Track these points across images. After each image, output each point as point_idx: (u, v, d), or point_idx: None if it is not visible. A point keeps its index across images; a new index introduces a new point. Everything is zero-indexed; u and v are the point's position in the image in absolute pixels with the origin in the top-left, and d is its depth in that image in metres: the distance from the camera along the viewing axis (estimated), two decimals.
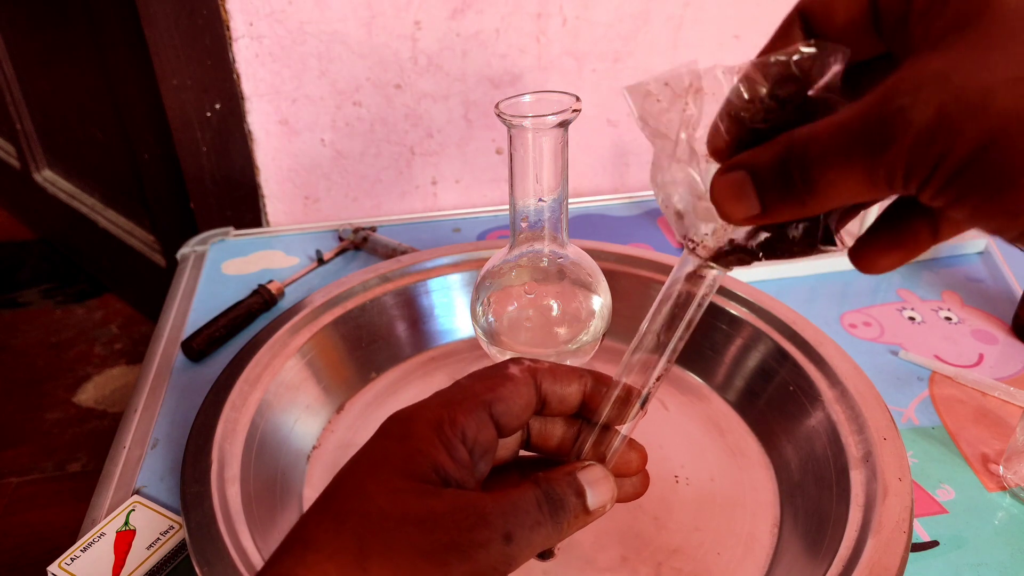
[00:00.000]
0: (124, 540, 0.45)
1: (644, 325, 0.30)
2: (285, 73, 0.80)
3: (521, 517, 0.26)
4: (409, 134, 0.86)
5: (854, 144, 0.20)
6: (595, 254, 0.50)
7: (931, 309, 0.67)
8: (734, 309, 0.56)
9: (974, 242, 0.75)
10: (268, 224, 0.89)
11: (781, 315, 0.55)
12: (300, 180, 0.87)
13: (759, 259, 0.26)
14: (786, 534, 0.45)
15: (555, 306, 0.47)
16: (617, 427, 0.30)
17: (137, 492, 0.49)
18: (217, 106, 0.81)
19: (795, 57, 0.22)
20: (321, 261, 0.73)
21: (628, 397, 0.30)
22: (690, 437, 0.53)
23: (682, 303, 0.28)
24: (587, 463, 0.29)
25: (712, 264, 0.27)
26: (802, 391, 0.50)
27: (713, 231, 0.26)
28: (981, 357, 0.61)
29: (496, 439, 0.29)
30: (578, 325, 0.47)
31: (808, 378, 0.50)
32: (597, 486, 0.29)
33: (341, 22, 0.78)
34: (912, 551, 0.42)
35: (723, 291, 0.58)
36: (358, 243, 0.76)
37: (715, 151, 0.24)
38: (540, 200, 0.44)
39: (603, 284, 0.48)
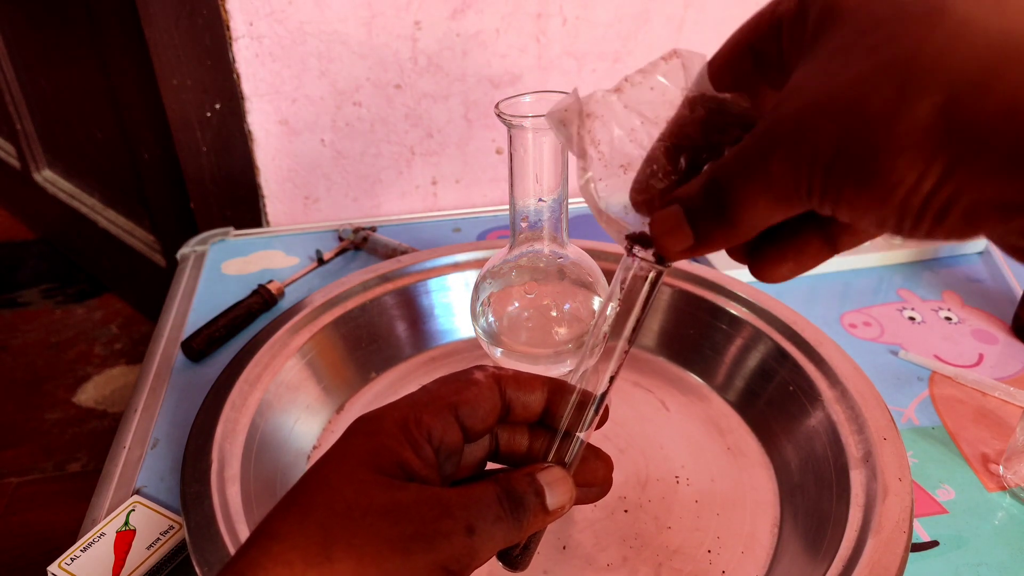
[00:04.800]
0: (124, 540, 0.45)
1: (593, 328, 0.30)
2: (285, 73, 0.80)
3: (483, 511, 0.27)
4: (409, 134, 0.86)
5: (750, 165, 0.22)
6: (595, 254, 0.50)
7: (931, 309, 0.67)
8: (734, 309, 0.56)
9: (974, 242, 0.75)
10: (268, 224, 0.89)
11: (781, 315, 0.55)
12: (300, 180, 0.87)
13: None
14: (786, 534, 0.45)
15: (555, 306, 0.47)
16: (577, 432, 0.31)
17: (137, 492, 0.49)
18: (217, 106, 0.81)
19: (661, 69, 0.25)
20: (321, 261, 0.73)
21: (585, 402, 0.30)
22: (690, 437, 0.53)
23: (627, 304, 0.29)
24: (546, 464, 0.30)
25: (652, 261, 0.28)
26: (802, 391, 0.50)
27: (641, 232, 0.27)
28: (981, 357, 0.61)
29: (461, 441, 0.29)
30: (578, 325, 0.47)
31: (808, 378, 0.50)
32: (556, 486, 0.29)
33: (341, 22, 0.78)
34: (912, 551, 0.42)
35: (723, 291, 0.58)
36: (358, 243, 0.76)
37: (648, 200, 0.26)
38: (540, 200, 0.44)
39: (603, 284, 0.48)
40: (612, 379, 0.30)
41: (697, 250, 0.25)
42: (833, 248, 0.26)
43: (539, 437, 0.32)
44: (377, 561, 0.25)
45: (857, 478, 0.43)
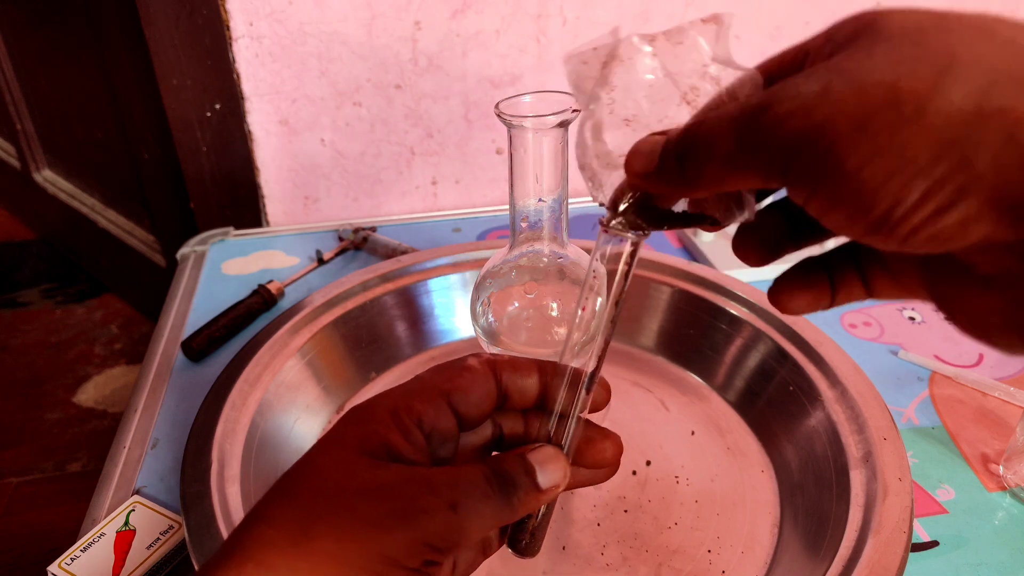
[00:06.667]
0: (124, 540, 0.45)
1: (577, 307, 0.30)
2: (285, 73, 0.80)
3: (468, 488, 0.27)
4: (409, 134, 0.86)
5: (740, 117, 0.21)
6: None
7: (931, 309, 0.67)
8: (734, 309, 0.56)
9: None
10: (268, 224, 0.89)
11: (781, 315, 0.55)
12: (300, 180, 0.87)
13: (661, 222, 0.27)
14: (786, 534, 0.45)
15: (555, 306, 0.47)
16: (572, 412, 0.30)
17: (137, 492, 0.49)
18: (217, 106, 0.81)
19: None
20: (321, 261, 0.73)
21: (577, 381, 0.30)
22: (690, 437, 0.53)
23: (608, 281, 0.29)
24: (538, 444, 0.30)
25: (624, 228, 0.28)
26: (802, 391, 0.50)
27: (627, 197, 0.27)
28: (981, 357, 0.61)
29: (455, 427, 0.29)
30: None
31: (808, 378, 0.50)
32: (547, 464, 0.29)
33: (341, 22, 0.78)
34: (912, 551, 0.42)
35: (723, 291, 0.58)
36: (358, 243, 0.76)
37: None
38: (540, 200, 0.44)
39: (603, 284, 0.48)
40: (601, 358, 0.30)
41: (654, 181, 0.25)
42: (868, 292, 0.25)
43: (543, 425, 0.32)
44: (357, 538, 0.25)
45: (857, 478, 0.43)
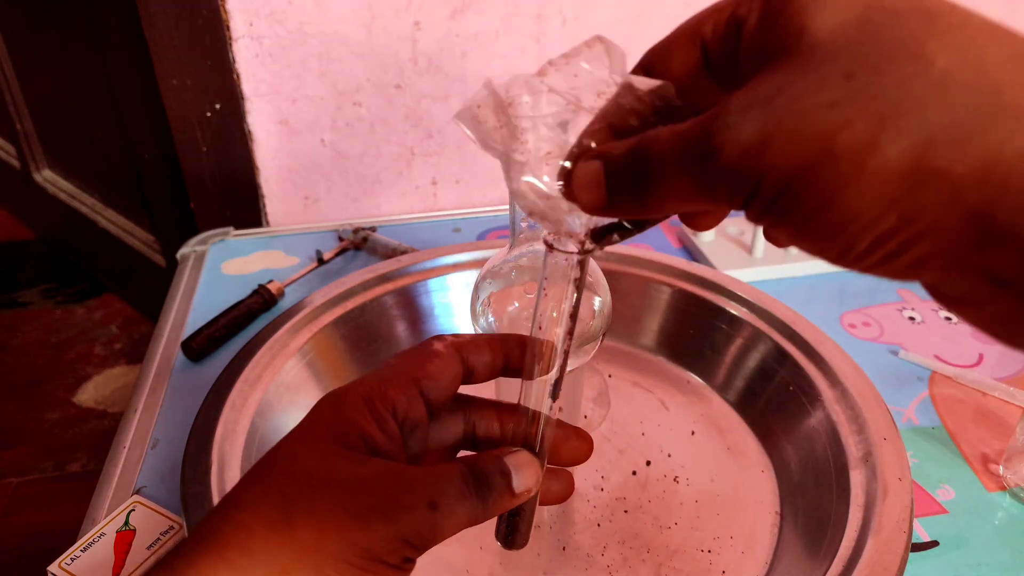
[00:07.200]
0: (124, 540, 0.45)
1: (533, 320, 0.30)
2: (285, 73, 0.80)
3: (446, 487, 0.27)
4: (409, 134, 0.86)
5: (687, 153, 0.21)
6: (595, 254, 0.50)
7: (931, 309, 0.67)
8: (734, 309, 0.56)
9: None
10: (268, 224, 0.89)
11: (781, 315, 0.55)
12: (300, 180, 0.87)
13: (628, 231, 0.27)
14: (786, 534, 0.45)
15: (555, 306, 0.47)
16: (542, 416, 0.31)
17: (137, 492, 0.49)
18: (217, 106, 0.81)
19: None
20: (321, 261, 0.73)
21: (544, 354, 0.30)
22: (690, 437, 0.53)
23: (558, 292, 0.29)
24: (514, 449, 0.30)
25: (587, 247, 0.28)
26: (802, 391, 0.50)
27: (583, 222, 0.26)
28: (981, 357, 0.61)
29: (426, 416, 0.30)
30: (579, 325, 0.47)
31: (808, 378, 0.50)
32: (522, 469, 0.29)
33: (341, 23, 0.78)
34: (912, 551, 0.42)
35: (723, 291, 0.58)
36: (358, 243, 0.76)
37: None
38: None
39: (603, 284, 0.48)
40: (562, 367, 0.30)
41: (609, 211, 0.24)
42: None
43: (516, 428, 0.32)
44: (338, 530, 0.25)
45: (857, 478, 0.43)
